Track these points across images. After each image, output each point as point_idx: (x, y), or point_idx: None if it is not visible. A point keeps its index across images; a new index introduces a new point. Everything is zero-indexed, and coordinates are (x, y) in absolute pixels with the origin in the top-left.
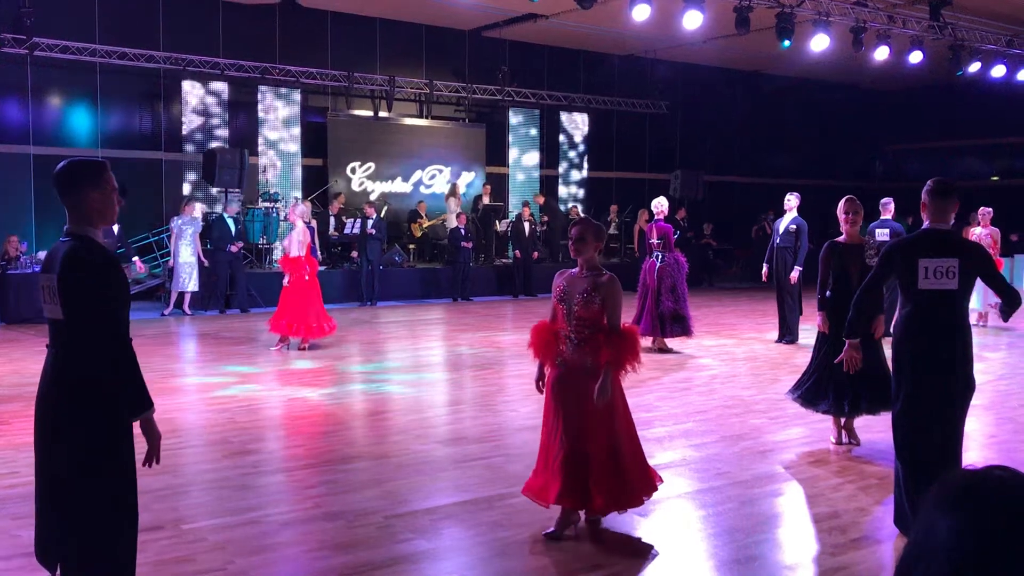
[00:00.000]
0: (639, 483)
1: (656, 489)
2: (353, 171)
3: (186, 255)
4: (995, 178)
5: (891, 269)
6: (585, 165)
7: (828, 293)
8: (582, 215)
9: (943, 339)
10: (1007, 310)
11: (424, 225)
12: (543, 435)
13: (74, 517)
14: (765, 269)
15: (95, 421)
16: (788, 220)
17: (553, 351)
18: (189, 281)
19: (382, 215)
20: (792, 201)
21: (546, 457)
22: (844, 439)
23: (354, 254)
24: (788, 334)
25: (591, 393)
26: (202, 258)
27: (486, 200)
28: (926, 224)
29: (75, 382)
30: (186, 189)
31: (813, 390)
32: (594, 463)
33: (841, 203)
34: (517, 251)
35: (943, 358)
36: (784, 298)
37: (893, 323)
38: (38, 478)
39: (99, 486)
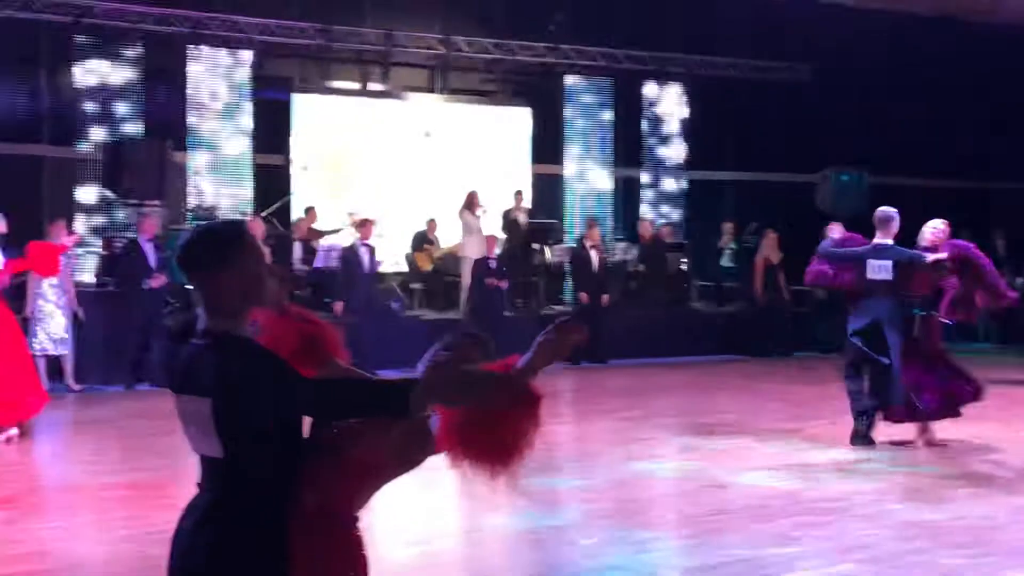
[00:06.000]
0: None
1: None
2: None
3: (48, 301)
4: None
5: None
6: (683, 161)
7: None
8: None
9: None
10: None
11: (435, 254)
12: None
13: None
14: None
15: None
16: None
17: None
18: (53, 341)
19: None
20: None
21: None
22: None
23: (337, 304)
24: None
25: None
26: (75, 306)
27: (520, 216)
28: None
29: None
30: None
31: None
32: None
33: None
34: (583, 293)
35: None
36: None
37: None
38: None
39: None
